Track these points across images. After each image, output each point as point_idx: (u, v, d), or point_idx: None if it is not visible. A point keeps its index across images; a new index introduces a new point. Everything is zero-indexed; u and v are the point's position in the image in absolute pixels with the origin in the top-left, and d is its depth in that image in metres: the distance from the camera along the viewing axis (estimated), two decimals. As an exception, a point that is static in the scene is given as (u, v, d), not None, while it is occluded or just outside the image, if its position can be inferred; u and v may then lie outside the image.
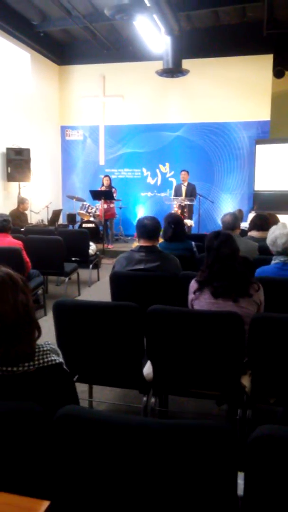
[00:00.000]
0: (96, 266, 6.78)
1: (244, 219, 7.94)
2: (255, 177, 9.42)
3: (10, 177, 8.52)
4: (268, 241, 3.10)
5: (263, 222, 4.58)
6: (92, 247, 6.52)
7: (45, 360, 1.30)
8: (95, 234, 8.89)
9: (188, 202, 8.81)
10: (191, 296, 2.51)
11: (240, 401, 2.26)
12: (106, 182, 9.40)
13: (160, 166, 10.34)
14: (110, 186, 9.38)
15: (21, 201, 7.94)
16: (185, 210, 8.81)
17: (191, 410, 2.92)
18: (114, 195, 9.30)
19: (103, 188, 9.31)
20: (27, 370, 1.27)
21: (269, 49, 9.27)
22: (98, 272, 6.83)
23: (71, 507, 1.20)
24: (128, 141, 10.47)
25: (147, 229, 3.21)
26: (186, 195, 9.00)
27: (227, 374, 2.22)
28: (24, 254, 4.53)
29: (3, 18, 8.12)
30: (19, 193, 8.56)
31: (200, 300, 2.42)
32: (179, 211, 8.79)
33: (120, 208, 9.80)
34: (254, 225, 4.77)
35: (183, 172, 9.19)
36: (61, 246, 5.32)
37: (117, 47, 9.80)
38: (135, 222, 10.28)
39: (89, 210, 9.33)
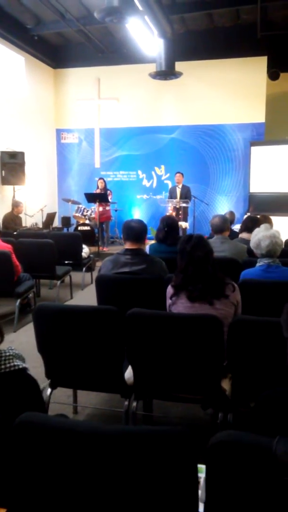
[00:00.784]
0: (90, 269, 6.76)
1: (239, 221, 7.92)
2: (250, 179, 9.41)
3: (4, 181, 8.52)
4: (252, 243, 3.09)
5: (254, 224, 4.55)
6: (85, 250, 6.51)
7: (7, 365, 1.28)
8: (91, 237, 8.89)
9: (183, 204, 8.81)
10: (168, 302, 2.50)
11: (221, 405, 2.24)
12: (100, 184, 9.40)
13: (156, 168, 10.34)
14: (105, 189, 9.37)
15: (16, 205, 7.93)
16: (180, 212, 8.81)
17: (176, 415, 2.90)
18: (109, 197, 9.29)
19: (98, 191, 9.30)
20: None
21: (263, 51, 9.27)
22: (91, 275, 6.81)
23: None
24: (124, 143, 10.47)
25: (133, 231, 3.20)
26: (181, 197, 8.99)
27: (207, 377, 2.20)
28: (13, 257, 4.52)
29: (-2, 22, 8.14)
30: (13, 197, 8.56)
31: (177, 305, 2.41)
32: (174, 213, 8.78)
33: (116, 210, 9.79)
34: (245, 227, 4.77)
35: (177, 174, 9.18)
36: (53, 249, 5.30)
37: (111, 50, 9.81)
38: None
39: (85, 213, 9.33)
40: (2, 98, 8.67)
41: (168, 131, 10.14)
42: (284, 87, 9.92)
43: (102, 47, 9.64)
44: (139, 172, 10.46)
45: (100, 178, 9.58)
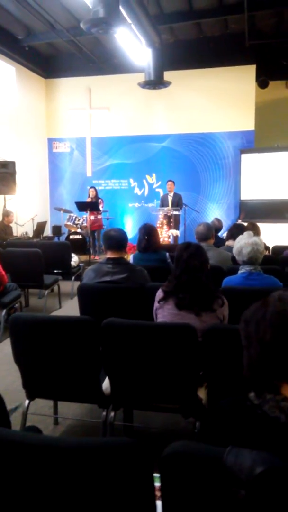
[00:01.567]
0: (79, 278, 6.74)
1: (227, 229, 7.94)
2: (241, 186, 9.45)
3: (-5, 190, 8.51)
4: (234, 250, 3.09)
5: (240, 231, 4.56)
6: (75, 259, 6.50)
7: None
8: (82, 246, 8.89)
9: (174, 212, 8.83)
10: (156, 304, 2.49)
11: (197, 414, 2.23)
12: (92, 193, 9.42)
13: (147, 176, 10.38)
14: (96, 198, 9.39)
15: (6, 214, 7.93)
16: (171, 220, 8.83)
17: (157, 425, 2.88)
18: (101, 206, 9.31)
19: (90, 200, 9.32)
20: None
21: (252, 60, 9.36)
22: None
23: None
24: (115, 152, 10.51)
25: (114, 240, 3.21)
26: (173, 205, 9.02)
27: (183, 386, 2.19)
28: (-1, 267, 4.51)
29: (-12, 33, 8.20)
30: (4, 206, 8.55)
31: (164, 310, 2.40)
32: (165, 221, 8.80)
33: (108, 219, 9.79)
34: (231, 234, 4.77)
35: (169, 183, 9.22)
36: (40, 259, 5.29)
37: (102, 60, 9.88)
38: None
39: (76, 222, 9.34)
40: (-7, 108, 8.71)
41: (159, 140, 10.19)
42: (273, 95, 10.02)
43: (92, 57, 9.71)
44: (131, 180, 10.50)
45: (92, 187, 9.60)
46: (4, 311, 4.63)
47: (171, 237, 8.72)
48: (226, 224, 7.84)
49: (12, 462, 1.10)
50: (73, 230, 9.26)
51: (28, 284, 5.58)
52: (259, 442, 1.03)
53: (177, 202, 9.07)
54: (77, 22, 8.49)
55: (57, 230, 9.61)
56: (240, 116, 9.52)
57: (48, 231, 9.75)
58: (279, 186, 8.98)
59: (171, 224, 8.80)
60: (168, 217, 8.82)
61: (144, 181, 10.42)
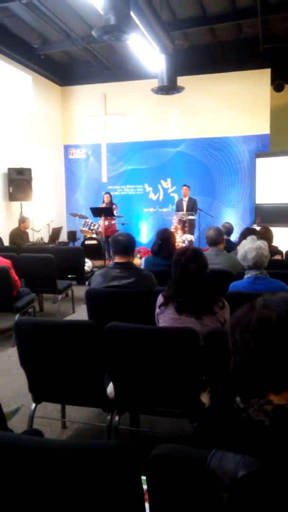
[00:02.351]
0: (93, 283, 6.78)
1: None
2: (256, 191, 9.39)
3: (12, 197, 8.65)
4: (239, 255, 3.08)
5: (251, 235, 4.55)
6: (88, 264, 6.55)
7: None
8: (98, 251, 8.96)
9: (189, 217, 8.81)
10: (157, 310, 2.50)
11: (200, 419, 2.21)
12: (106, 199, 9.48)
13: (162, 181, 10.40)
14: (110, 203, 9.45)
15: (22, 220, 8.03)
16: (186, 225, 8.81)
17: (164, 429, 2.88)
18: (115, 211, 9.35)
19: (104, 205, 9.38)
20: None
21: (267, 64, 9.31)
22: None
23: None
24: (130, 158, 10.57)
25: (122, 245, 3.23)
26: (187, 210, 9.01)
27: (186, 391, 2.19)
28: (12, 272, 4.57)
29: (4, 43, 8.35)
30: (21, 212, 8.68)
31: (165, 315, 2.41)
32: (180, 226, 8.79)
33: (123, 224, 9.84)
34: (242, 239, 4.74)
35: (184, 187, 9.22)
36: (53, 264, 5.35)
37: (116, 67, 9.97)
38: (138, 238, 10.32)
39: (92, 227, 9.41)
40: (10, 116, 8.86)
41: (173, 145, 10.21)
42: (289, 98, 9.95)
43: (107, 64, 9.80)
44: (146, 185, 10.53)
45: (106, 193, 9.67)
46: (18, 315, 4.69)
47: (185, 242, 8.71)
48: (241, 228, 7.79)
49: (7, 464, 1.12)
50: (88, 236, 9.34)
51: (41, 289, 5.65)
52: (244, 445, 1.03)
53: (192, 207, 9.06)
54: (91, 30, 8.59)
55: (72, 235, 9.70)
56: (255, 120, 9.47)
57: (64, 237, 9.85)
58: (295, 190, 8.89)
59: (186, 229, 8.79)
60: (182, 222, 8.81)
61: (159, 186, 10.44)
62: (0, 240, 7.73)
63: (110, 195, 9.59)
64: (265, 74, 9.35)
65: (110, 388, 2.42)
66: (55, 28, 8.23)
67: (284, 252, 5.48)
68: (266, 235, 4.99)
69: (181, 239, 8.65)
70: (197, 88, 9.44)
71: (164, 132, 10.21)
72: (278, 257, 5.16)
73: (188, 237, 8.64)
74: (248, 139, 9.63)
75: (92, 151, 10.89)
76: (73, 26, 8.27)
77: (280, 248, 5.60)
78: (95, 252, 8.90)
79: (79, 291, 6.36)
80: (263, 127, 9.46)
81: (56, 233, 8.55)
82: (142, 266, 4.11)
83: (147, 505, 1.18)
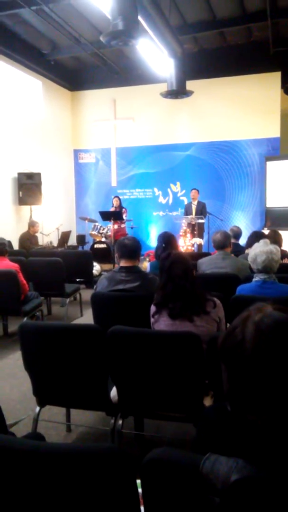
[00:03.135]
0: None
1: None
2: (267, 194, 9.34)
3: (21, 201, 8.71)
4: (249, 258, 3.05)
5: (259, 239, 4.51)
6: (96, 267, 6.56)
7: None
8: (107, 255, 8.97)
9: (198, 221, 8.79)
10: (151, 320, 2.50)
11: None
12: (115, 203, 9.51)
13: (171, 185, 10.40)
14: (120, 207, 9.47)
15: (32, 224, 8.09)
16: (195, 228, 8.80)
17: (168, 433, 2.86)
18: (124, 215, 9.37)
19: (113, 209, 9.41)
20: None
21: (277, 67, 9.28)
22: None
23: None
24: (139, 162, 10.59)
25: (127, 249, 3.22)
26: (196, 214, 8.99)
27: (189, 395, 2.17)
28: (20, 276, 4.60)
29: (15, 49, 8.44)
30: (30, 216, 8.74)
31: (160, 323, 2.40)
32: (189, 230, 8.77)
33: (132, 228, 9.85)
34: (250, 242, 4.71)
35: (193, 191, 9.21)
36: (61, 268, 5.36)
37: (126, 71, 10.01)
38: (147, 242, 10.29)
39: (101, 231, 9.43)
40: (20, 121, 8.94)
41: (183, 149, 10.21)
42: (299, 101, 9.88)
43: (116, 69, 9.85)
44: (155, 189, 10.54)
45: (115, 196, 9.70)
46: (25, 319, 4.71)
47: (195, 245, 8.69)
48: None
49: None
50: (98, 239, 9.37)
51: (49, 293, 5.67)
52: (237, 446, 1.01)
53: (201, 210, 9.04)
54: (100, 35, 8.65)
55: (81, 239, 9.73)
56: (265, 123, 9.44)
57: (73, 241, 9.89)
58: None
59: (195, 232, 8.77)
60: (192, 226, 8.80)
61: (169, 190, 10.45)
62: (9, 244, 7.77)
63: (120, 199, 9.62)
64: (275, 77, 9.32)
65: (113, 392, 2.42)
66: (64, 34, 8.29)
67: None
68: (275, 239, 4.95)
69: (190, 243, 8.63)
70: (206, 91, 9.44)
71: (174, 136, 10.21)
72: (286, 261, 5.11)
73: (197, 240, 8.62)
74: (258, 143, 9.59)
75: (101, 155, 10.94)
76: (82, 32, 8.33)
77: (289, 252, 5.54)
78: (104, 255, 8.92)
79: (87, 294, 6.35)
80: (273, 130, 9.42)
81: (65, 237, 8.59)
82: (148, 271, 4.10)
83: (142, 508, 1.17)
